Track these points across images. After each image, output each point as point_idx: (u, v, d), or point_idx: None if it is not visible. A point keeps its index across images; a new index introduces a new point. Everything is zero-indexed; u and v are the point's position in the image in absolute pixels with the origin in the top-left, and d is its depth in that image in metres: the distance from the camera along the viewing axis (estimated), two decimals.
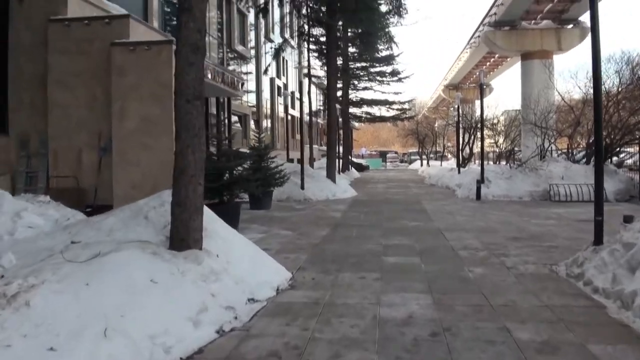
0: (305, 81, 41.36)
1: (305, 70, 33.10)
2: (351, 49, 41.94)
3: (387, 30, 26.49)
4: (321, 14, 24.39)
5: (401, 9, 22.44)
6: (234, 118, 34.38)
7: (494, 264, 8.46)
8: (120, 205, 12.51)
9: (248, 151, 17.46)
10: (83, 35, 13.06)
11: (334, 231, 12.31)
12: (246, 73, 37.55)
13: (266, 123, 41.32)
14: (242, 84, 17.85)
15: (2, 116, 13.64)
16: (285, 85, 46.47)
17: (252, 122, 37.73)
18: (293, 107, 43.46)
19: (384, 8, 25.35)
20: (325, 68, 26.87)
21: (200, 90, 6.45)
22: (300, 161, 21.00)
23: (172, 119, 12.02)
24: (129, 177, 12.50)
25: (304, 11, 23.86)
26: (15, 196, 11.16)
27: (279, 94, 41.21)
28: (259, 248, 8.07)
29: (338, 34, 36.75)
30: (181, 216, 6.39)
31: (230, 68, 34.87)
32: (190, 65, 6.35)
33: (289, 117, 42.41)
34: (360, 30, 33.15)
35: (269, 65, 32.23)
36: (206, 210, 7.46)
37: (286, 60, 46.82)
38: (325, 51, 26.63)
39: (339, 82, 41.08)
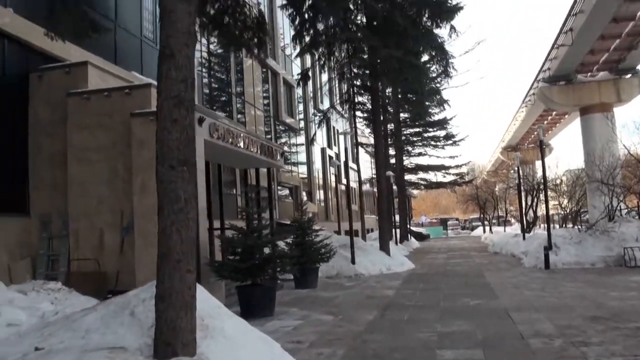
0: (358, 150, 40.44)
1: (357, 139, 32.14)
2: (403, 115, 40.89)
3: (434, 88, 25.29)
4: (365, 78, 23.44)
5: (449, 69, 21.15)
6: (285, 191, 33.47)
7: (574, 359, 6.69)
8: None
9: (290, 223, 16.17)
10: (103, 107, 12.21)
11: (382, 314, 10.65)
12: (296, 144, 36.85)
13: (318, 194, 40.27)
14: (282, 154, 16.68)
15: (23, 196, 12.81)
16: (337, 155, 45.63)
17: (303, 194, 36.71)
18: (346, 176, 42.31)
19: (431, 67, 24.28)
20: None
21: (188, 153, 5.16)
22: (350, 233, 19.50)
23: (197, 193, 10.92)
24: (152, 260, 11.13)
25: (347, 75, 23.01)
26: (19, 284, 10.13)
27: (330, 164, 40.23)
28: (280, 346, 6.50)
29: (387, 100, 35.88)
30: (166, 314, 4.98)
31: (283, 140, 34.26)
32: (173, 122, 5.09)
33: (342, 187, 41.19)
34: (409, 95, 32.18)
35: (314, 134, 31.30)
36: (208, 300, 6.07)
37: (337, 130, 46.14)
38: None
39: (391, 148, 39.88)
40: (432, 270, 19.92)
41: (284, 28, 31.76)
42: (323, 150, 42.63)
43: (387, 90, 36.50)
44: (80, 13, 8.45)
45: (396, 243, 33.20)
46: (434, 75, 28.32)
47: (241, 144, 13.41)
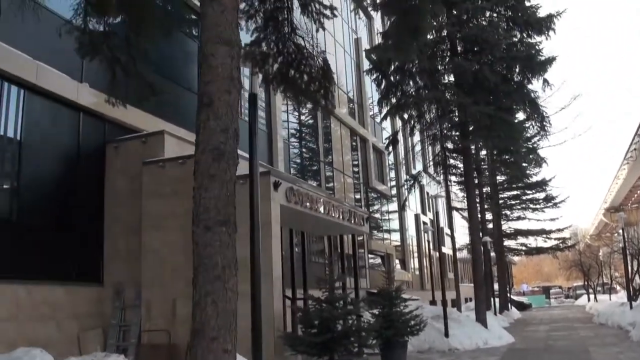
0: (452, 215, 39.06)
1: (451, 204, 30.94)
2: (499, 178, 39.23)
3: (530, 147, 23.95)
4: (457, 139, 22.49)
5: (545, 124, 19.88)
6: (377, 259, 32.44)
7: None
8: None
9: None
10: (178, 175, 11.94)
11: None
12: (388, 212, 36.01)
13: (412, 262, 38.98)
14: (367, 219, 15.89)
15: (97, 265, 12.66)
16: (432, 221, 44.32)
17: (396, 262, 35.56)
18: (443, 243, 40.88)
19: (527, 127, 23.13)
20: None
21: (228, 213, 4.53)
22: (443, 303, 18.20)
23: (271, 261, 10.30)
24: None
25: (438, 136, 22.21)
26: (87, 354, 9.71)
27: (425, 231, 38.98)
28: None
29: (482, 163, 34.52)
30: None
31: (375, 207, 33.56)
32: (210, 178, 4.49)
33: (438, 254, 39.66)
34: (505, 157, 30.76)
35: (405, 199, 30.33)
36: None
37: (430, 195, 45.00)
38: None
39: (488, 213, 38.25)
40: (532, 345, 18.15)
41: (373, 96, 31.52)
42: (417, 217, 41.47)
43: (481, 153, 35.27)
44: (137, 77, 8.17)
45: (495, 313, 31.24)
46: (529, 135, 27.11)
47: (321, 209, 12.77)
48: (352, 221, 14.54)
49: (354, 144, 30.91)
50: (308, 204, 12.07)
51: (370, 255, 31.75)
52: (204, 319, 4.31)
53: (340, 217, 13.79)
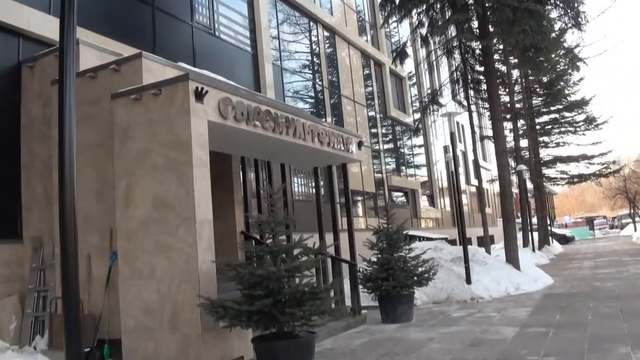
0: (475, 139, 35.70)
1: (474, 128, 27.43)
2: (535, 101, 35.42)
3: (562, 44, 20.32)
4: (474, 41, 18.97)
5: (579, 19, 16.12)
6: (400, 198, 29.56)
7: None
8: (131, 342, 7.87)
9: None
10: (89, 93, 8.93)
11: None
12: (413, 146, 32.99)
13: (441, 198, 35.99)
14: (360, 144, 12.77)
15: (13, 216, 10.01)
16: (464, 153, 41.10)
17: (422, 198, 32.61)
18: (477, 177, 37.70)
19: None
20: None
21: None
22: (463, 243, 15.19)
23: (194, 199, 7.37)
24: (140, 297, 7.79)
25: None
26: None
27: (445, 158, 35.88)
28: None
29: (513, 81, 30.76)
30: None
31: (400, 142, 30.48)
32: None
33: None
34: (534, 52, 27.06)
35: (418, 123, 27.14)
36: None
37: (462, 126, 41.53)
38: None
39: (523, 140, 34.70)
40: (574, 288, 14.98)
41: None
42: (446, 149, 38.23)
43: (513, 75, 31.59)
44: None
45: (533, 250, 28.28)
46: (566, 45, 23.48)
47: (283, 130, 9.58)
48: (336, 146, 11.43)
49: (367, 70, 27.58)
50: (258, 121, 8.88)
51: (397, 194, 28.99)
52: None
53: (316, 140, 10.65)
